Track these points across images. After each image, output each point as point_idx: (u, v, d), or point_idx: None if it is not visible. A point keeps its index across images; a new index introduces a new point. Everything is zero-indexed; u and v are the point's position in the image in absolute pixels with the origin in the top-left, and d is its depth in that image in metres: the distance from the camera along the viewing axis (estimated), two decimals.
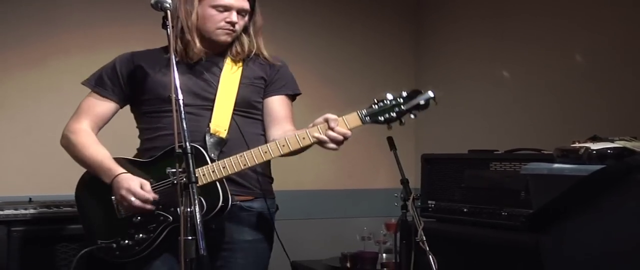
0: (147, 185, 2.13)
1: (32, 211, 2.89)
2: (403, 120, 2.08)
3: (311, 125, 2.10)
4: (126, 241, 2.18)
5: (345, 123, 2.08)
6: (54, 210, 2.93)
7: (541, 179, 2.20)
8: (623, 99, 3.04)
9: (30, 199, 3.09)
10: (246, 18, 2.29)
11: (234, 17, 2.23)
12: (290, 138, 2.09)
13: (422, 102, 2.07)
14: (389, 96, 2.08)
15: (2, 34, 3.42)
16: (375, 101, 2.09)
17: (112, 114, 2.35)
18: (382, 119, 2.07)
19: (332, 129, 2.05)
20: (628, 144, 2.06)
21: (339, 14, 4.18)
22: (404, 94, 2.08)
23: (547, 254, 2.22)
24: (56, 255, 2.89)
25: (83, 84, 2.36)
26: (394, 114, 2.07)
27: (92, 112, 2.31)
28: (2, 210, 2.87)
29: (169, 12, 1.99)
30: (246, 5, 2.26)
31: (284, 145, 2.10)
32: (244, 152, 2.12)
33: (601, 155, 2.03)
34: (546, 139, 2.86)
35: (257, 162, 2.13)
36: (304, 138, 2.08)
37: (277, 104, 2.36)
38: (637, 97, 2.98)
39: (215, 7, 2.23)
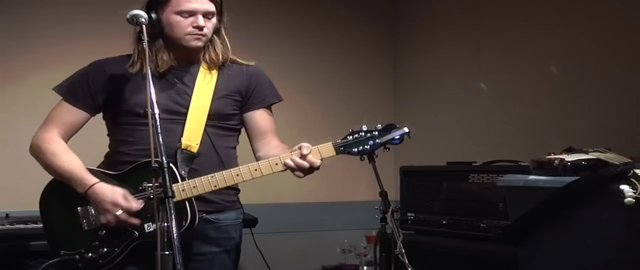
0: (129, 195, 2.11)
1: (8, 227, 2.88)
2: (376, 153, 2.14)
3: (289, 151, 2.15)
4: (89, 254, 2.16)
5: (319, 152, 2.12)
6: (31, 226, 2.91)
7: (517, 190, 2.22)
8: (598, 110, 3.08)
9: (6, 214, 3.07)
10: (214, 20, 2.25)
11: (200, 20, 2.18)
12: (263, 164, 2.12)
13: (396, 137, 2.13)
14: (364, 128, 2.14)
15: None
16: (351, 132, 2.14)
17: (83, 123, 2.30)
18: (355, 150, 2.12)
19: (303, 157, 2.09)
20: (602, 156, 2.09)
21: (317, 25, 4.20)
22: (379, 127, 2.13)
23: (524, 265, 2.23)
24: None
25: (54, 90, 2.31)
26: (367, 147, 2.12)
27: (62, 120, 2.28)
28: None
29: (144, 26, 2.00)
30: (211, 8, 2.22)
31: (256, 170, 2.12)
32: (216, 174, 2.12)
33: (576, 166, 2.05)
34: (524, 150, 2.89)
35: (227, 184, 2.14)
36: (276, 164, 2.12)
37: (259, 118, 2.35)
38: (611, 109, 3.02)
39: (179, 13, 2.18)
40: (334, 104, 4.02)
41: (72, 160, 2.21)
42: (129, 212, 2.09)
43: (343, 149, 2.13)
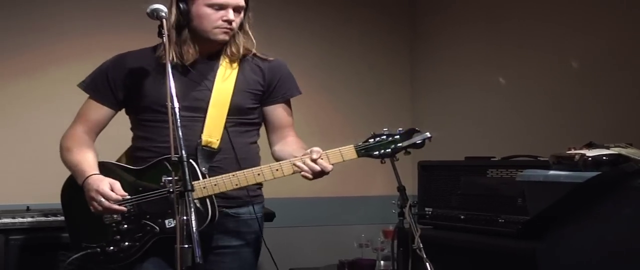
0: (116, 185, 2.15)
1: (30, 219, 2.92)
2: (397, 157, 2.16)
3: (304, 149, 2.18)
4: (111, 247, 2.19)
5: (340, 154, 2.13)
6: (51, 218, 2.96)
7: (537, 186, 2.21)
8: (618, 105, 3.06)
9: (28, 207, 3.11)
10: (242, 15, 2.26)
11: (230, 14, 2.20)
12: (285, 164, 2.14)
13: (418, 142, 2.14)
14: (386, 132, 2.15)
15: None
16: (372, 135, 2.14)
17: (107, 118, 2.33)
18: (377, 153, 2.13)
19: (313, 161, 2.11)
20: (623, 151, 2.08)
21: (334, 21, 4.21)
22: (401, 130, 2.14)
23: (543, 261, 2.23)
24: (53, 263, 2.91)
25: (78, 86, 2.34)
26: (389, 150, 2.13)
27: (86, 117, 2.31)
28: (0, 218, 2.89)
29: (164, 20, 2.02)
30: (242, 3, 2.24)
31: (277, 170, 2.14)
32: (238, 172, 2.14)
33: (596, 162, 2.05)
34: (542, 145, 2.87)
35: (249, 183, 2.16)
36: (294, 165, 2.14)
37: (278, 112, 2.36)
38: (632, 104, 3.00)
39: (210, 5, 2.19)
40: (352, 101, 4.03)
41: (81, 154, 2.25)
42: (111, 200, 2.12)
43: (364, 151, 2.14)
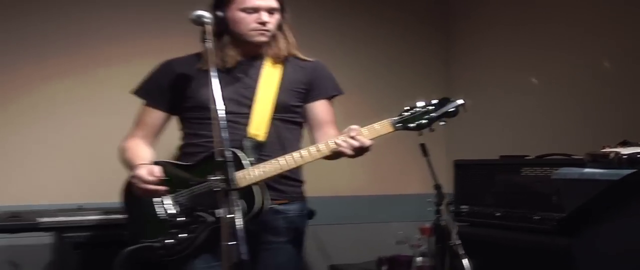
0: (154, 169, 2.23)
1: (82, 218, 3.00)
2: (433, 127, 2.16)
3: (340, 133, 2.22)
4: (169, 240, 2.26)
5: (378, 129, 2.17)
6: (103, 217, 3.03)
7: (572, 183, 2.23)
8: None
9: (79, 206, 3.19)
10: (277, 16, 2.34)
11: (263, 16, 2.29)
12: (325, 144, 2.20)
13: (451, 109, 2.15)
14: (420, 103, 2.16)
15: (51, 43, 3.55)
16: (406, 108, 2.17)
17: (162, 122, 2.44)
18: (413, 125, 2.15)
19: (352, 138, 2.15)
20: None
21: (369, 23, 4.25)
22: (434, 101, 2.16)
23: (580, 257, 2.24)
24: (105, 261, 2.98)
25: (132, 93, 2.46)
26: (424, 121, 2.15)
27: (142, 122, 2.44)
28: (55, 217, 2.98)
29: (207, 26, 2.10)
30: (274, 4, 2.32)
31: (318, 151, 2.20)
32: (279, 158, 2.21)
33: (632, 159, 2.07)
34: (575, 144, 2.89)
35: (292, 167, 2.22)
36: (334, 142, 2.18)
37: (319, 109, 2.44)
38: None
39: (244, 10, 2.29)
40: (388, 102, 4.02)
41: (135, 153, 2.36)
42: (147, 182, 2.21)
43: (401, 124, 2.16)
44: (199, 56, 2.36)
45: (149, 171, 2.23)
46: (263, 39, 2.33)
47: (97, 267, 2.93)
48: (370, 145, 2.17)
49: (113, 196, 2.46)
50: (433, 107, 2.16)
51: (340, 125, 2.26)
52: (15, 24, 3.51)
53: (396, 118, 2.17)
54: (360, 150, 2.17)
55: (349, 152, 2.17)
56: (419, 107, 2.16)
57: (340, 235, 3.91)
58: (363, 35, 4.23)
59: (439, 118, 2.15)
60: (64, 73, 3.59)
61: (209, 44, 2.09)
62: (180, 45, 2.42)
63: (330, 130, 2.41)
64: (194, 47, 2.35)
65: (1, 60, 3.49)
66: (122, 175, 2.39)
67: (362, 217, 4.11)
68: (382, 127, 2.18)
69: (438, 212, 2.60)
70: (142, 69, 2.51)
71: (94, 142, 3.51)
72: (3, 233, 2.96)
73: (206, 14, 2.11)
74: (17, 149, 3.52)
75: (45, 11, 3.55)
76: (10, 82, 3.51)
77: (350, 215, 4.07)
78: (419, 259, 3.58)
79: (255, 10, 2.29)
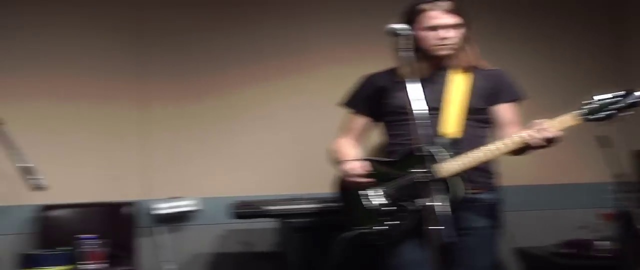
0: (363, 164, 2.54)
1: (301, 206, 3.31)
2: (621, 117, 2.23)
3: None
4: (381, 227, 2.51)
5: (563, 120, 2.29)
6: (318, 205, 3.31)
7: None
8: None
9: (299, 196, 3.50)
10: (459, 30, 2.53)
11: (442, 33, 2.51)
12: (514, 137, 2.37)
13: (638, 100, 2.22)
14: (606, 95, 2.25)
15: (265, 48, 4.12)
16: (591, 100, 2.26)
17: (366, 126, 2.76)
18: (602, 115, 2.23)
19: (540, 130, 2.30)
20: None
21: (548, 36, 4.38)
22: (621, 92, 2.25)
23: None
24: (321, 243, 3.09)
25: (339, 105, 2.80)
26: (613, 111, 2.23)
27: (347, 127, 2.79)
28: (279, 205, 3.33)
29: (401, 38, 2.31)
30: (451, 21, 2.52)
31: (509, 144, 2.38)
32: (476, 150, 2.41)
33: None
34: None
35: (487, 158, 2.41)
36: (527, 134, 2.34)
37: (503, 111, 2.61)
38: None
39: (426, 28, 2.53)
40: (562, 103, 4.15)
41: (345, 151, 2.70)
42: (352, 175, 2.55)
43: (589, 115, 2.25)
44: (393, 70, 2.61)
45: (358, 166, 2.58)
46: (444, 52, 2.55)
47: (315, 248, 3.22)
48: (560, 137, 2.29)
49: (325, 187, 2.80)
50: (621, 98, 2.23)
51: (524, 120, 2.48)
52: (257, 33, 4.14)
53: (583, 110, 2.27)
54: (550, 141, 2.30)
55: (540, 143, 2.29)
56: (606, 98, 2.24)
57: (524, 221, 4.03)
58: (537, 43, 4.36)
59: (628, 107, 2.22)
60: (278, 76, 4.18)
61: (405, 54, 2.30)
62: (378, 53, 2.67)
63: (513, 129, 2.53)
64: (387, 55, 2.61)
65: (236, 76, 4.13)
66: (332, 170, 2.72)
67: (544, 203, 4.25)
68: (569, 119, 2.28)
69: (621, 199, 2.75)
70: (330, 75, 2.93)
71: (306, 142, 4.03)
72: (239, 218, 3.39)
73: (399, 27, 2.33)
74: (243, 149, 4.13)
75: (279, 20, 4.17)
76: (243, 96, 4.15)
77: (533, 202, 4.22)
78: (599, 242, 3.69)
79: (435, 28, 2.53)
